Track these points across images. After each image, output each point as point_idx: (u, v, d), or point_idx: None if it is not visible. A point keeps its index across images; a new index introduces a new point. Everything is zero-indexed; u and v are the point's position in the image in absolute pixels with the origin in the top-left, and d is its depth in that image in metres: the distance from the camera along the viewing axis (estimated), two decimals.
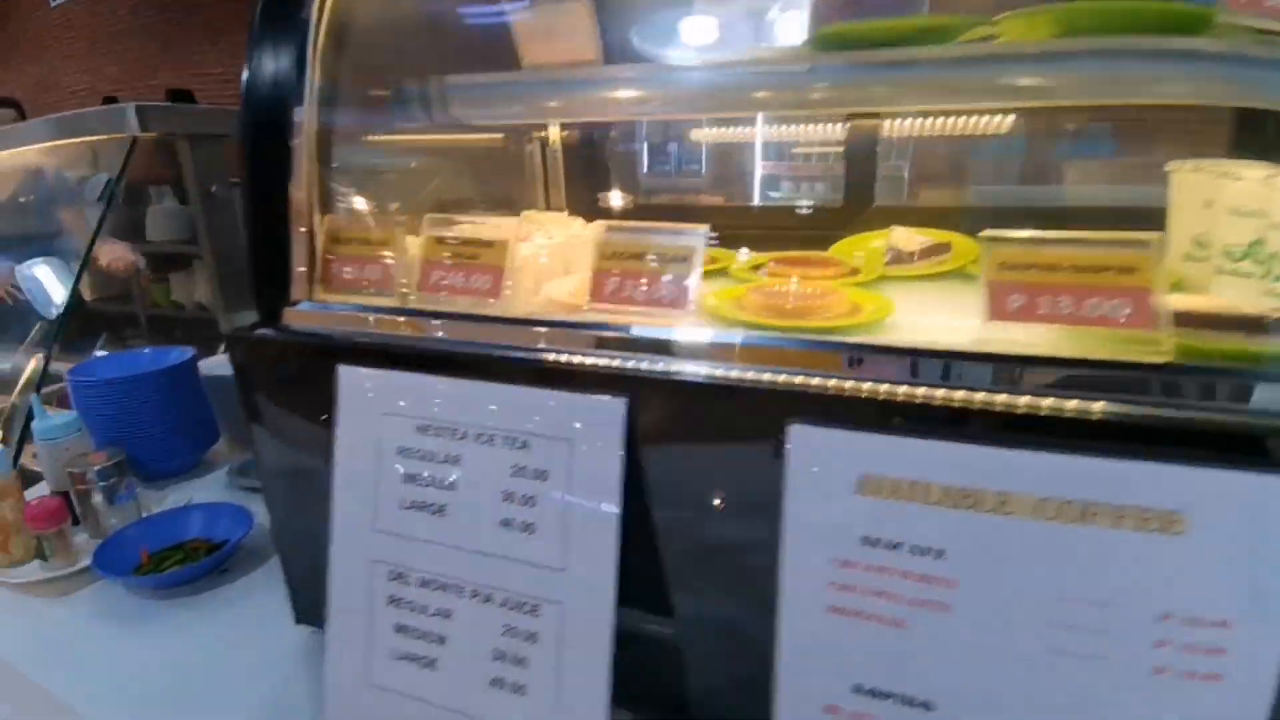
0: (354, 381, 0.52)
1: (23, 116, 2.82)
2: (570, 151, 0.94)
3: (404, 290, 0.57)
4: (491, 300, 0.54)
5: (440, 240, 0.56)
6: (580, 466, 0.45)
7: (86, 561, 0.75)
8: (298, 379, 0.57)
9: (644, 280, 0.49)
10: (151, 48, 3.61)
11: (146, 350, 0.99)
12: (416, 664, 0.49)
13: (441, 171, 0.82)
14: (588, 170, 0.95)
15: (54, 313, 1.84)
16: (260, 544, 0.79)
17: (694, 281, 0.48)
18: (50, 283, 1.90)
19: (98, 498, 0.80)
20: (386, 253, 0.57)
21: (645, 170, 0.94)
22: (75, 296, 1.09)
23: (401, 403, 0.51)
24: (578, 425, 0.45)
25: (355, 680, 0.51)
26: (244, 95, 0.57)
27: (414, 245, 0.58)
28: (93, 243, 1.07)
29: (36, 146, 1.30)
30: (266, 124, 0.57)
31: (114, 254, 2.13)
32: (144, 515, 0.84)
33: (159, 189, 3.39)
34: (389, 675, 0.50)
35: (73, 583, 0.75)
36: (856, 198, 0.82)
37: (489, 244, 0.55)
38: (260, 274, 0.58)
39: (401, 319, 0.54)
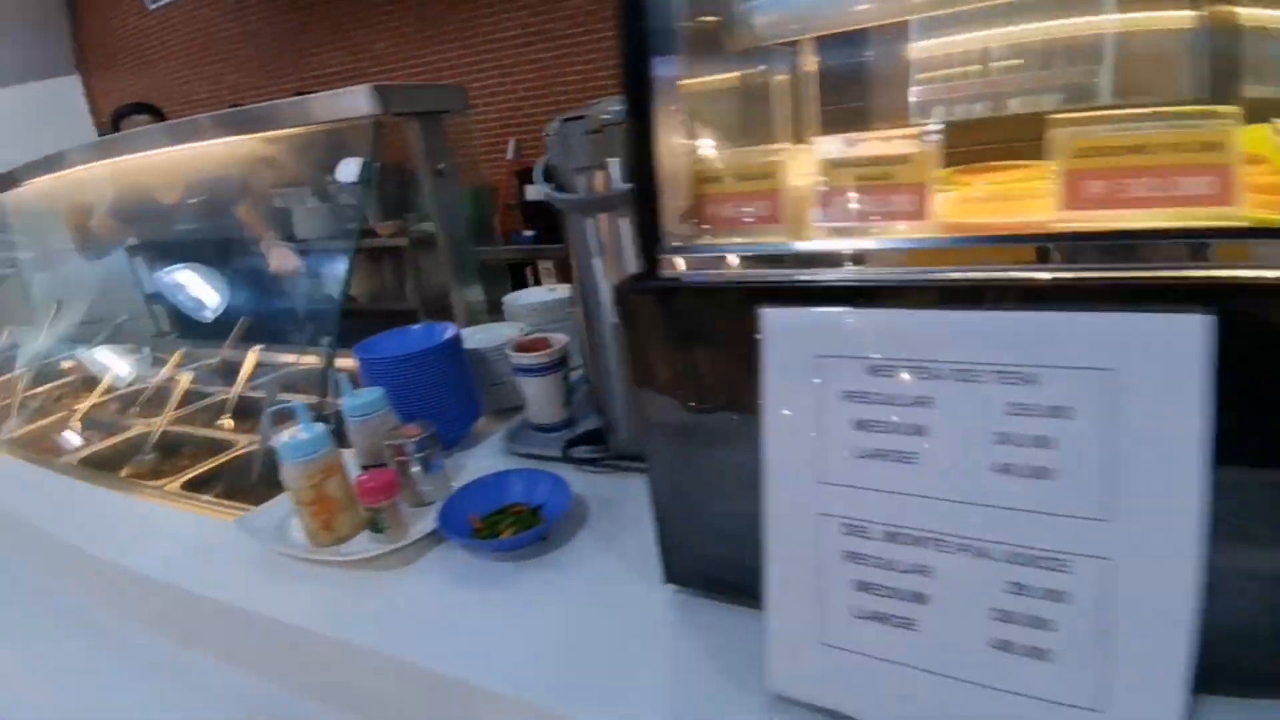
0: (781, 324, 0.47)
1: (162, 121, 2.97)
2: (825, 74, 0.86)
3: (800, 221, 0.51)
4: (918, 221, 0.47)
5: (839, 163, 0.50)
6: (1133, 400, 0.38)
7: (425, 529, 0.76)
8: (696, 327, 0.53)
9: (1153, 177, 0.41)
10: (270, 51, 3.73)
11: (415, 327, 1.00)
12: (886, 624, 0.45)
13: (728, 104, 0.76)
14: (845, 93, 0.87)
15: (208, 316, 1.93)
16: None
17: (1237, 170, 0.39)
18: (198, 287, 2.00)
19: (415, 468, 0.81)
20: (769, 186, 0.52)
21: (914, 87, 0.84)
22: (348, 286, 1.10)
23: (843, 343, 0.45)
24: (1122, 351, 0.38)
25: (806, 639, 0.48)
26: (622, 46, 0.52)
27: (791, 174, 0.53)
28: (359, 230, 1.08)
29: (222, 141, 1.29)
30: (641, 69, 0.52)
31: (282, 258, 2.22)
32: (451, 483, 0.85)
33: (300, 189, 3.54)
34: (850, 635, 0.47)
35: (407, 553, 0.75)
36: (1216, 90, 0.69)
37: (902, 159, 0.48)
38: (642, 224, 0.54)
39: (812, 249, 0.49)
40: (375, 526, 0.76)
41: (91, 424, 1.52)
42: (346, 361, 1.50)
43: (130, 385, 1.67)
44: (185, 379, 1.47)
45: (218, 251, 2.28)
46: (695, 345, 0.53)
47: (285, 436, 0.75)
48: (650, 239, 0.53)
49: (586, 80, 2.99)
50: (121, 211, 2.25)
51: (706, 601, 0.62)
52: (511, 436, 0.97)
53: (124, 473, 1.26)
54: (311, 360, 1.64)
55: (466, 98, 1.12)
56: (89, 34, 4.50)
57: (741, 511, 0.56)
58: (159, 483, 1.10)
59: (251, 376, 1.53)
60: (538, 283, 3.17)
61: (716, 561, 0.60)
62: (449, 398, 0.94)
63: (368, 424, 0.84)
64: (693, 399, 0.54)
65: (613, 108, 0.73)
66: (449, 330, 0.96)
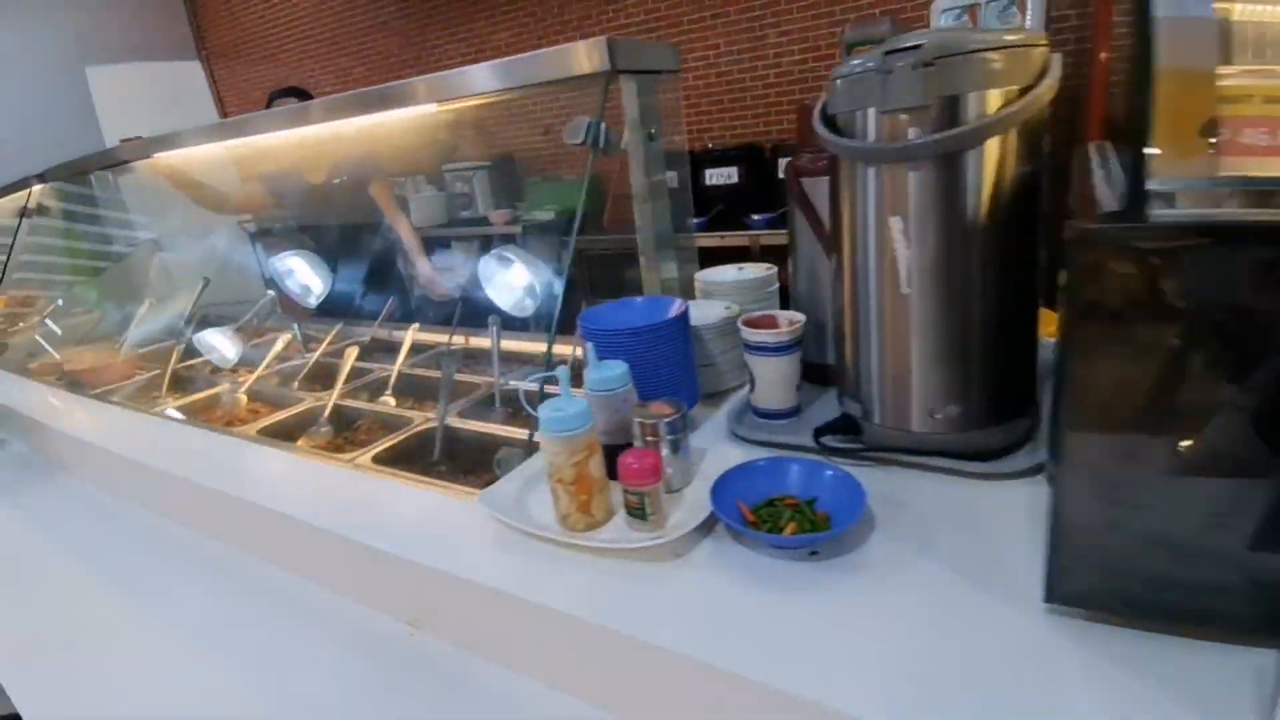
0: None
1: None
2: None
3: None
4: None
5: None
6: None
7: (696, 516, 0.67)
8: (1214, 282, 0.41)
9: None
10: (394, 44, 3.80)
11: (637, 300, 0.93)
12: None
13: None
14: None
15: (313, 302, 1.93)
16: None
17: None
18: (305, 275, 2.00)
19: (665, 450, 0.73)
20: None
21: None
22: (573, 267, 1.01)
23: None
24: None
25: None
26: None
27: None
28: (595, 182, 1.02)
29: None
30: None
31: (434, 283, 2.21)
32: (693, 469, 0.77)
33: (415, 178, 3.61)
34: None
35: (675, 544, 0.66)
36: None
37: None
38: (1135, 154, 0.42)
39: None
40: (637, 512, 0.68)
41: (257, 396, 1.53)
42: (480, 340, 1.45)
43: (284, 361, 1.68)
44: (351, 355, 1.46)
45: (371, 234, 2.32)
46: (1204, 303, 0.41)
47: (546, 409, 0.68)
48: (1141, 171, 0.41)
49: (710, 66, 2.90)
50: (272, 190, 2.30)
51: (1113, 629, 0.50)
52: (736, 420, 0.88)
53: (300, 443, 1.25)
54: (457, 341, 1.62)
55: (679, 59, 1.04)
56: (209, 20, 4.62)
57: (1218, 520, 0.44)
58: (349, 455, 1.07)
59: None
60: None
61: (1151, 582, 0.48)
62: (677, 376, 0.85)
63: (611, 400, 0.76)
64: (1182, 379, 0.42)
65: (935, 38, 0.62)
66: (677, 304, 0.88)
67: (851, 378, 0.79)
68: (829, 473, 0.68)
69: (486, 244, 3.36)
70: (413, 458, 1.13)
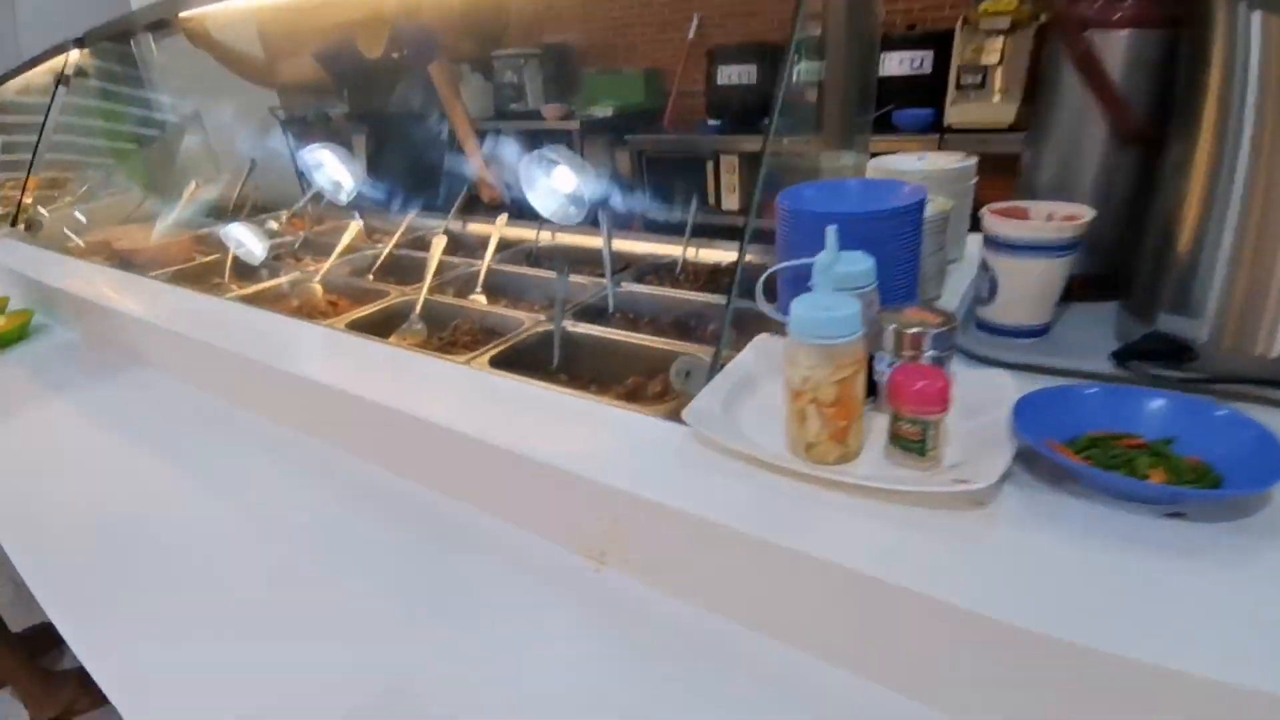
0: None
1: None
2: None
3: None
4: None
5: None
6: None
7: (1000, 459, 0.50)
8: None
9: None
10: None
11: (850, 181, 0.72)
12: None
13: None
14: None
15: (344, 199, 1.72)
16: None
17: None
18: (335, 169, 1.77)
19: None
20: None
21: None
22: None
23: None
24: None
25: None
26: None
27: None
28: (793, 64, 0.78)
29: None
30: None
31: (493, 190, 1.98)
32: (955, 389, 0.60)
33: (461, 64, 3.26)
34: None
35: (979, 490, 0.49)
36: None
37: None
38: None
39: None
40: (915, 445, 0.51)
41: (329, 287, 1.35)
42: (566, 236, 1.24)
43: (352, 251, 1.49)
44: (439, 245, 1.26)
45: (428, 120, 2.06)
46: None
47: (804, 308, 0.50)
48: None
49: None
50: (325, 62, 2.03)
51: None
52: (962, 335, 0.70)
53: (392, 340, 1.08)
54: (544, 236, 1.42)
55: None
56: None
57: None
58: (464, 357, 0.91)
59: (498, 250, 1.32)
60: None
61: None
62: (905, 278, 0.66)
63: (860, 299, 0.57)
64: None
65: None
66: (909, 187, 0.67)
67: (1174, 290, 0.60)
68: (1218, 413, 0.50)
69: (535, 141, 3.08)
70: (529, 363, 0.96)
